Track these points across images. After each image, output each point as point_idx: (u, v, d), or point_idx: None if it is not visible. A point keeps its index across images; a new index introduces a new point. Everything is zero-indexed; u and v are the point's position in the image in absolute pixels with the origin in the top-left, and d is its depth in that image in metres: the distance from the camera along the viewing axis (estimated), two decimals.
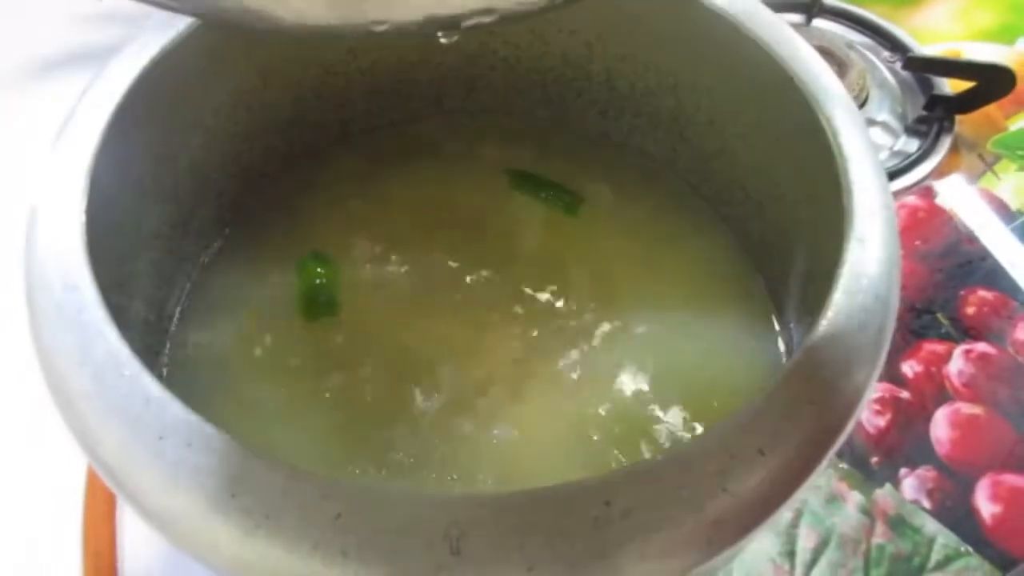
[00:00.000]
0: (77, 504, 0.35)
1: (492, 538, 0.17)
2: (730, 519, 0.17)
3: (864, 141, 0.22)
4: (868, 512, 0.37)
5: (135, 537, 0.35)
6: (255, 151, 0.31)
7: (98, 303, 0.19)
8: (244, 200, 0.31)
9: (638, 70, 0.31)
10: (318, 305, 0.30)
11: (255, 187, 0.32)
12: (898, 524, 0.37)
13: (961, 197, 0.48)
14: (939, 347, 0.43)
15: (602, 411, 0.26)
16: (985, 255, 0.46)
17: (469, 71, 0.34)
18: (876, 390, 0.41)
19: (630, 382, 0.27)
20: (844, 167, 0.22)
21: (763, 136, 0.27)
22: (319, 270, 0.31)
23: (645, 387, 0.27)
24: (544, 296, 0.30)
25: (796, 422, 0.18)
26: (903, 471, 0.38)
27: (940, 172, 0.48)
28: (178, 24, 0.26)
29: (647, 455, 0.24)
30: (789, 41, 0.25)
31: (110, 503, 0.35)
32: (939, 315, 0.44)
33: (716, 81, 0.28)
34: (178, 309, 0.30)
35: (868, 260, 0.20)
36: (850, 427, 0.19)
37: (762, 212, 0.30)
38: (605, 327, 0.29)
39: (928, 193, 0.48)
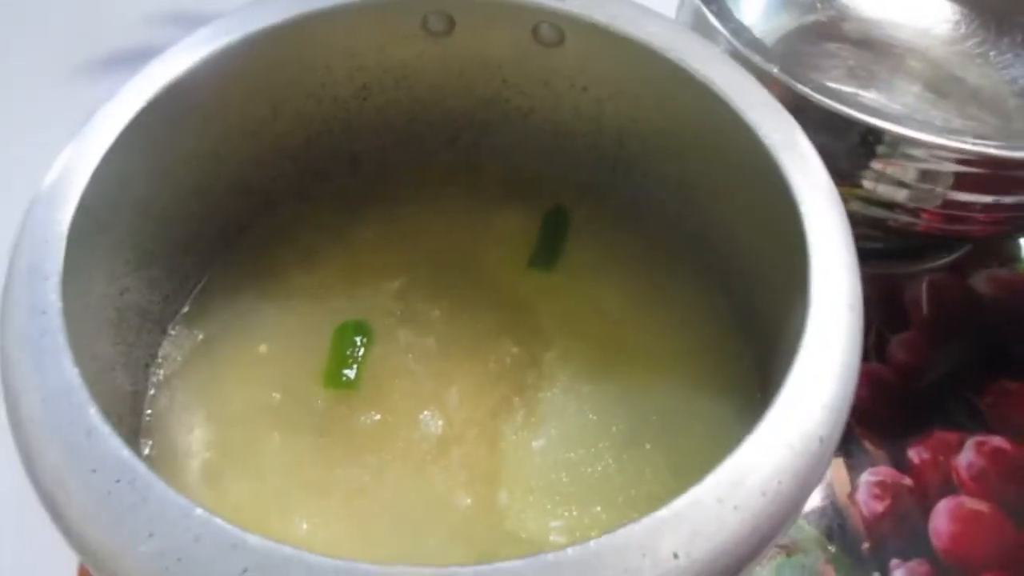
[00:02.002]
0: None
1: None
2: None
3: (840, 240, 0.22)
4: None
5: None
6: (263, 178, 0.32)
7: (61, 330, 0.20)
8: (249, 224, 0.32)
9: (647, 133, 0.31)
10: (342, 377, 0.29)
11: (260, 213, 0.33)
12: None
13: None
14: (951, 436, 0.41)
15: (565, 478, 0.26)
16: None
17: (482, 115, 0.34)
18: (878, 474, 0.40)
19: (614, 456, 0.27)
20: (810, 264, 0.21)
21: (754, 217, 0.27)
22: (357, 341, 0.30)
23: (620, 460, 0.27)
24: (530, 351, 0.31)
25: (717, 527, 0.18)
26: (894, 561, 0.37)
27: (974, 251, 0.47)
28: (201, 49, 0.27)
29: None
30: (786, 129, 0.24)
31: None
32: (955, 403, 0.42)
33: (713, 158, 0.28)
34: (173, 326, 0.31)
35: (824, 370, 0.20)
36: (776, 540, 0.19)
37: (755, 287, 0.29)
38: (593, 387, 0.29)
39: (960, 273, 0.47)
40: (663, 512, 0.18)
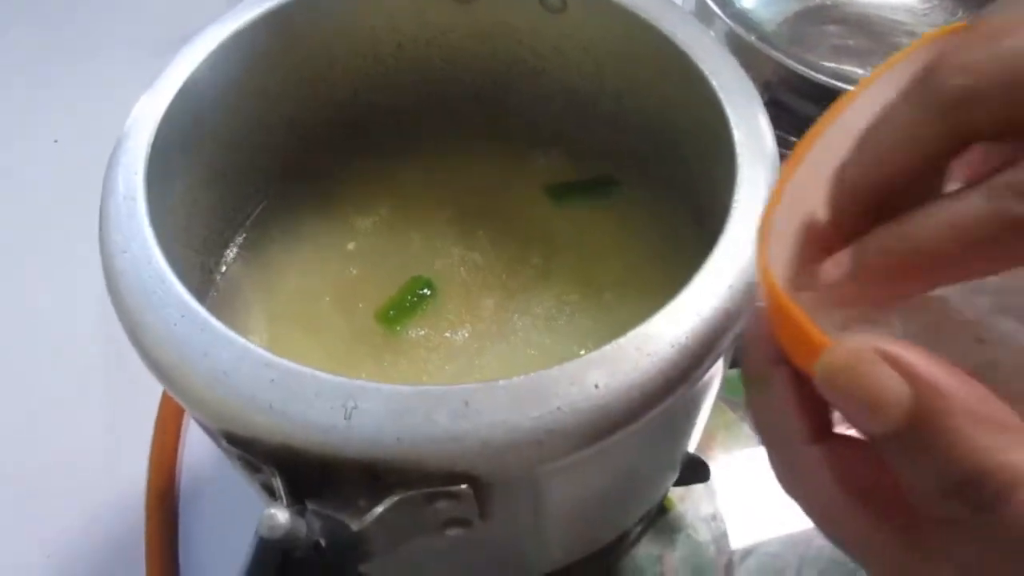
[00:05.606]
0: (152, 411, 0.44)
1: (376, 414, 0.22)
2: (559, 431, 0.22)
3: (763, 145, 0.27)
4: None
5: (194, 439, 0.43)
6: (316, 121, 0.38)
7: (144, 211, 0.26)
8: (302, 163, 0.39)
9: (642, 91, 0.36)
10: (392, 319, 0.35)
11: (312, 154, 0.39)
12: None
13: None
14: None
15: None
16: None
17: (503, 77, 0.39)
18: None
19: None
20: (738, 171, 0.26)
21: (711, 148, 0.31)
22: (423, 292, 0.35)
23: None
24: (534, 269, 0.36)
25: (632, 367, 0.23)
26: None
27: None
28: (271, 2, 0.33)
29: None
30: (730, 74, 0.29)
31: (178, 413, 0.43)
32: None
33: (684, 108, 0.32)
34: (235, 239, 0.37)
35: (732, 257, 0.25)
36: (682, 388, 0.23)
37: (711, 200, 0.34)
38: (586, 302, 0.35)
39: None
40: (592, 355, 0.23)
